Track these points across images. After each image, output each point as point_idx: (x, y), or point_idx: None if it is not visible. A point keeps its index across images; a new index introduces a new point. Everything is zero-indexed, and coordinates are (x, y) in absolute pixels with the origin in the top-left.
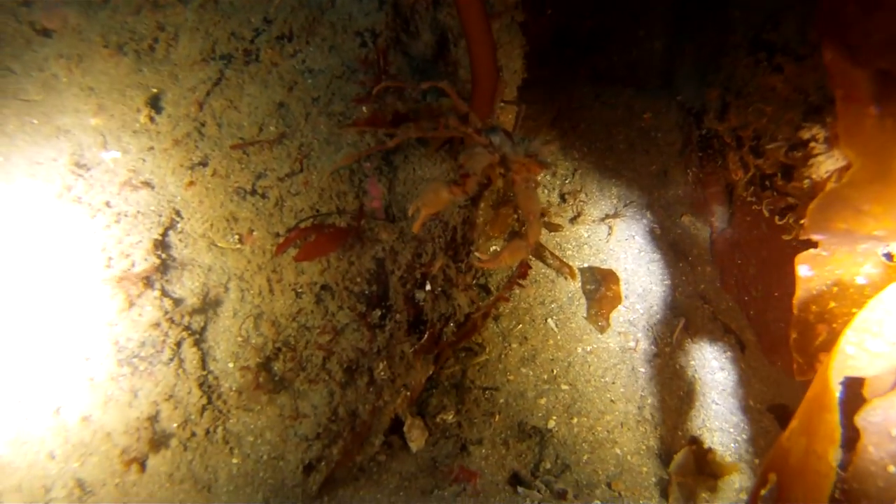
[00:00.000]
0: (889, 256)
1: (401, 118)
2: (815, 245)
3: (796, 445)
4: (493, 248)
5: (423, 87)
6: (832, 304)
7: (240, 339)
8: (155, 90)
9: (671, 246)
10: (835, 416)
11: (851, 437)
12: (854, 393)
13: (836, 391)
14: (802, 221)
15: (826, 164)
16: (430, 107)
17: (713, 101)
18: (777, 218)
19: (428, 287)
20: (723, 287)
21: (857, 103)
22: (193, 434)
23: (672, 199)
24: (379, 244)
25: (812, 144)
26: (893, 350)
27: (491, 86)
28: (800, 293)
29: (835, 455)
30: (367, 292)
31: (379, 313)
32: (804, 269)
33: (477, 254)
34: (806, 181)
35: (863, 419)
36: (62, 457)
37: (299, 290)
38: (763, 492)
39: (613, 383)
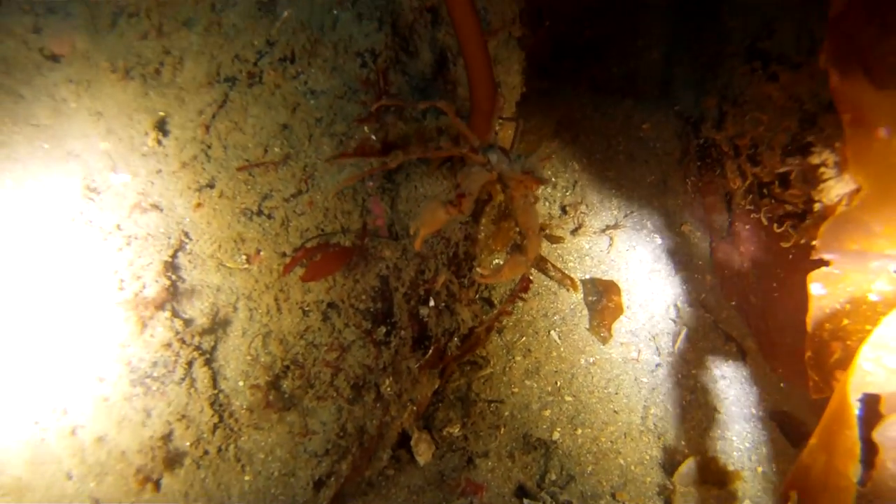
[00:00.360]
0: None
1: (390, 146)
2: (826, 263)
3: (816, 462)
4: (496, 261)
5: (421, 107)
6: (846, 322)
7: (249, 357)
8: (162, 113)
9: (671, 255)
10: (854, 433)
11: (870, 453)
12: (872, 409)
13: (855, 408)
14: (815, 242)
15: (836, 188)
16: (424, 129)
17: (710, 111)
18: (776, 225)
19: (431, 303)
20: (723, 295)
21: (865, 127)
22: (206, 452)
23: (672, 208)
24: (383, 262)
25: (822, 169)
26: None
27: (489, 104)
28: (813, 311)
29: (855, 470)
30: (372, 309)
31: (384, 330)
32: (817, 288)
33: (478, 269)
34: (816, 204)
35: (881, 435)
36: (79, 476)
37: (306, 309)
38: None
39: (616, 394)
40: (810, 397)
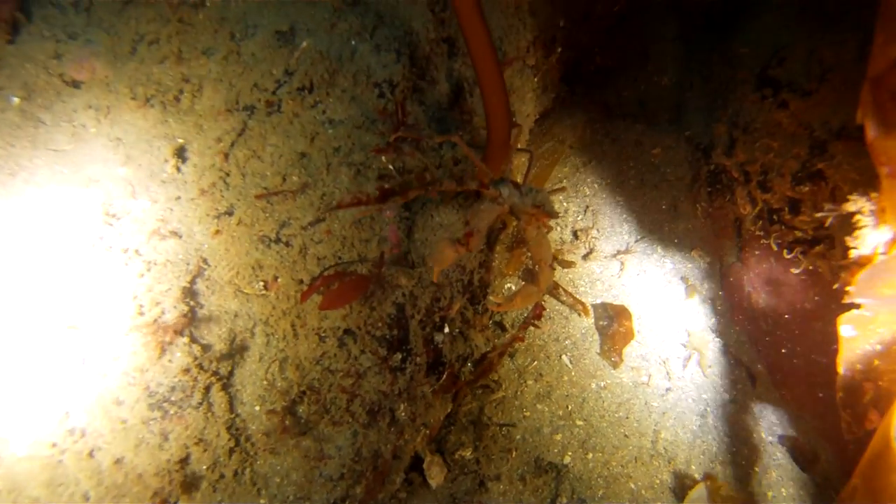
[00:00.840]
0: None
1: (388, 193)
2: (857, 306)
3: None
4: (508, 285)
5: (437, 141)
6: (877, 362)
7: (266, 382)
8: (181, 141)
9: (682, 280)
10: None
11: None
12: None
13: None
14: (848, 288)
15: (872, 236)
16: (441, 158)
17: (721, 137)
18: (785, 252)
19: (446, 329)
20: (733, 320)
21: None
22: (222, 476)
23: (682, 233)
24: (399, 289)
25: (857, 217)
26: None
27: (505, 135)
28: (844, 353)
29: None
30: (388, 336)
31: (400, 356)
32: (848, 330)
33: (491, 297)
34: (852, 251)
35: None
36: (96, 499)
37: (323, 335)
38: None
39: (627, 418)
40: (843, 435)
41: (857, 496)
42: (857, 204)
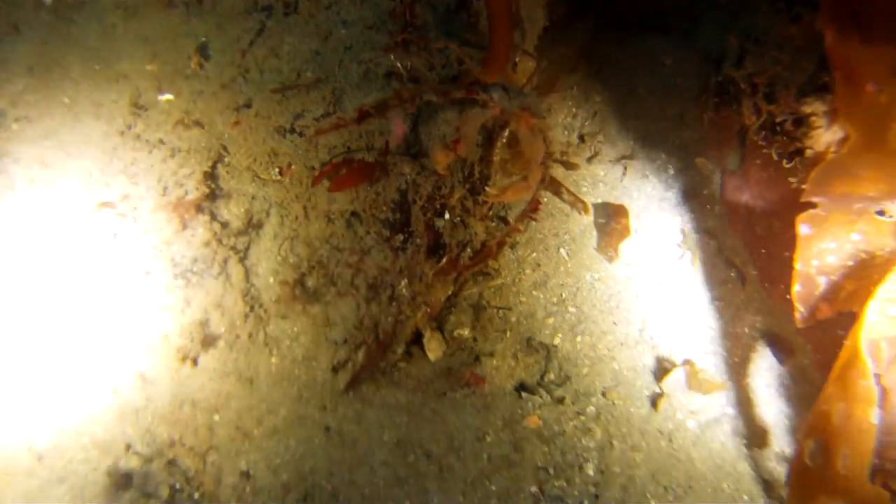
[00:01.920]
0: (881, 213)
1: (364, 115)
2: (814, 206)
3: (835, 409)
4: (508, 180)
5: (438, 46)
6: (829, 259)
7: (279, 258)
8: (203, 39)
9: (683, 185)
10: (870, 381)
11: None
12: (876, 355)
13: (868, 359)
14: (804, 186)
15: (825, 137)
16: (447, 57)
17: (732, 48)
18: (785, 161)
19: (447, 216)
20: (730, 225)
21: (855, 82)
22: (238, 337)
23: (687, 141)
24: (403, 177)
25: (813, 118)
26: None
27: (505, 40)
28: (801, 250)
29: (873, 414)
30: (391, 219)
31: (401, 237)
32: (804, 229)
33: (488, 188)
34: (808, 150)
35: (889, 379)
36: (127, 353)
37: (332, 217)
38: (808, 451)
39: (617, 308)
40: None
41: (832, 401)
42: (812, 106)
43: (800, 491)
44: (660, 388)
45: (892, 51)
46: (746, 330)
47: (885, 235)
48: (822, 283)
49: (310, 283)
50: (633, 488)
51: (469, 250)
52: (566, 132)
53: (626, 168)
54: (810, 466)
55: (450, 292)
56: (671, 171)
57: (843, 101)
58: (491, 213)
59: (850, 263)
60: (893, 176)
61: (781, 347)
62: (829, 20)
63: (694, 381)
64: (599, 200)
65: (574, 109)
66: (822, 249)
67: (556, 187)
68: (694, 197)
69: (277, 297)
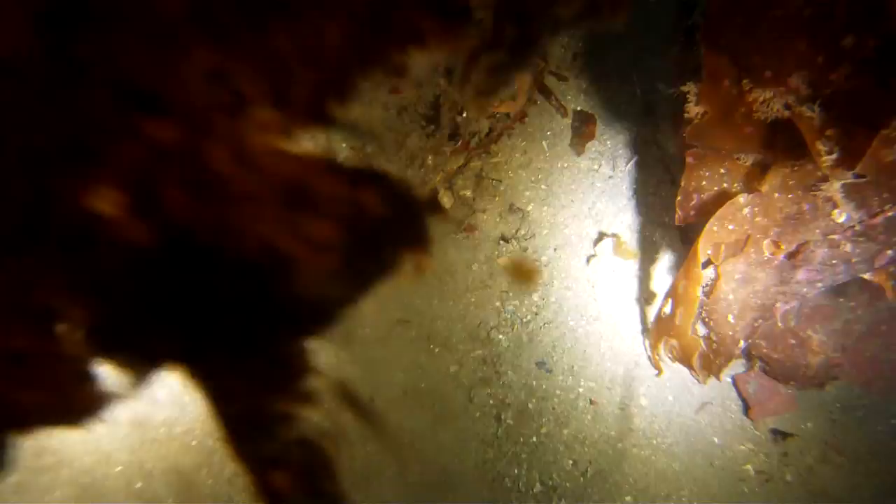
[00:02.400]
0: (738, 158)
1: None
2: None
3: (680, 284)
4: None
5: None
6: (703, 182)
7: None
8: None
9: (645, 104)
10: (699, 268)
11: (714, 279)
12: (717, 253)
13: (702, 256)
14: (684, 135)
15: (696, 109)
16: None
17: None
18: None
19: (464, 114)
20: (675, 140)
21: (716, 77)
22: None
23: (653, 71)
24: (438, 87)
25: (688, 96)
26: (739, 228)
27: None
28: (687, 172)
29: (700, 289)
30: (427, 114)
31: (432, 127)
32: (690, 159)
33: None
34: (686, 115)
35: (722, 268)
36: None
37: (388, 107)
38: (665, 308)
39: (576, 190)
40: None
41: (680, 279)
42: (687, 87)
43: (656, 332)
44: (594, 250)
45: (738, 64)
46: (667, 220)
47: (740, 173)
48: (695, 198)
49: (369, 149)
50: (561, 313)
51: (477, 138)
52: (563, 50)
53: (602, 84)
54: (663, 318)
55: (460, 164)
56: (637, 92)
57: (707, 90)
58: (496, 113)
59: (715, 188)
60: (738, 140)
61: (688, 236)
62: (703, 39)
63: (619, 249)
64: (578, 108)
65: (573, 32)
66: (699, 175)
67: (547, 95)
68: (652, 113)
69: (345, 158)
